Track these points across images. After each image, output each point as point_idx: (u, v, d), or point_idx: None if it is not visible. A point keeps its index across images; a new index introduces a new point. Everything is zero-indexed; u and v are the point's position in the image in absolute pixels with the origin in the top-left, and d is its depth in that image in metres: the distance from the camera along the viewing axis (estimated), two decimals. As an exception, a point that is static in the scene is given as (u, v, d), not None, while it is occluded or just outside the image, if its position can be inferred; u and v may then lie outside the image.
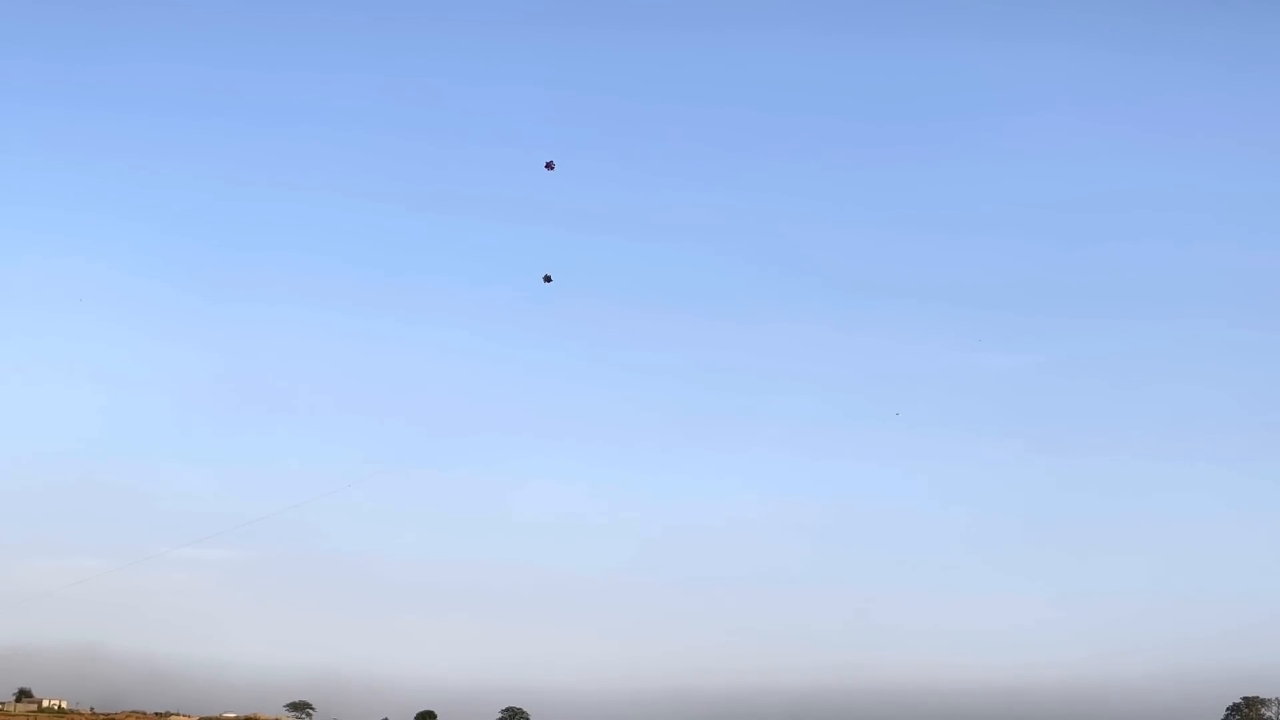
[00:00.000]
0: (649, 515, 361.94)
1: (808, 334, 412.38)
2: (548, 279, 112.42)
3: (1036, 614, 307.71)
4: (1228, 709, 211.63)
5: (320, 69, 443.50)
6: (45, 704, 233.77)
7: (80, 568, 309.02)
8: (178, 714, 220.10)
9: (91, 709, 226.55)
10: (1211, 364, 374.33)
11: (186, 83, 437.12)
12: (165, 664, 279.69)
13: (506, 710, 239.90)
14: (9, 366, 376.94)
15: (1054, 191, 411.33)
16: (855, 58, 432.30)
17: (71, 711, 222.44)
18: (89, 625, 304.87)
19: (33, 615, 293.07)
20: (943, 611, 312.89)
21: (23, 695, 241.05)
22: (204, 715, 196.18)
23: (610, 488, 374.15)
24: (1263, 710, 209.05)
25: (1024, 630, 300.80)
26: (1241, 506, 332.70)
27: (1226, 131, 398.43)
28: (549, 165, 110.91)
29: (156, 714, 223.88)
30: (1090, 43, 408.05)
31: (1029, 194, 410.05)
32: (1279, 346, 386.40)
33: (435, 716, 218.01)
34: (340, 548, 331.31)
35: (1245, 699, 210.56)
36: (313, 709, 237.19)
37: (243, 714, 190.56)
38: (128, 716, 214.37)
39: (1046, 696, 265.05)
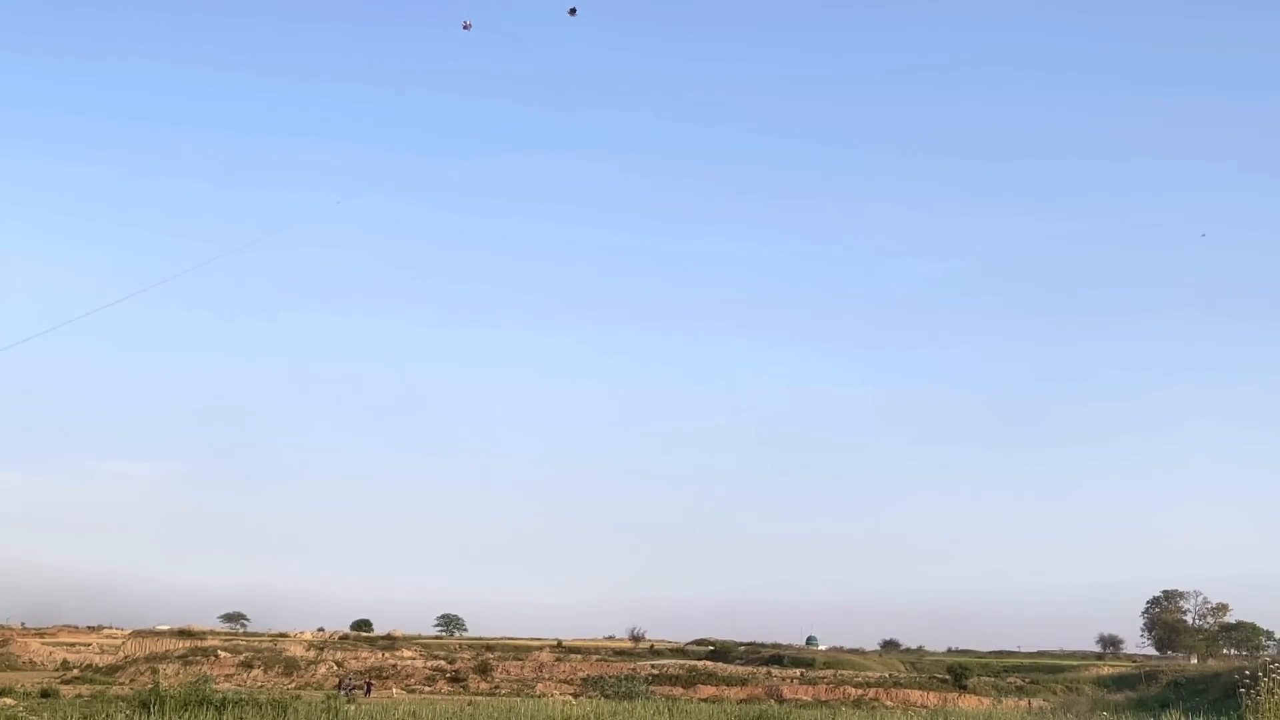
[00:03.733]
0: (592, 412, 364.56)
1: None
2: (573, 11, 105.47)
3: (955, 511, 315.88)
4: (1148, 602, 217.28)
5: None
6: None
7: (8, 481, 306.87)
8: (111, 627, 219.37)
9: (23, 624, 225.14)
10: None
11: None
12: (97, 578, 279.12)
13: (442, 617, 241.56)
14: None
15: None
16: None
17: (2, 626, 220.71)
18: (19, 539, 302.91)
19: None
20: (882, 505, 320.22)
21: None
22: (138, 628, 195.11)
23: (547, 385, 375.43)
24: (1180, 603, 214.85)
25: (941, 525, 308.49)
26: (1168, 413, 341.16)
27: None
28: (466, 25, 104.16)
29: (90, 627, 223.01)
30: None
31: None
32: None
33: (371, 625, 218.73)
34: (273, 459, 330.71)
35: (1165, 593, 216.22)
36: (247, 619, 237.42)
37: (176, 626, 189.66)
38: (60, 630, 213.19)
39: (969, 592, 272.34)
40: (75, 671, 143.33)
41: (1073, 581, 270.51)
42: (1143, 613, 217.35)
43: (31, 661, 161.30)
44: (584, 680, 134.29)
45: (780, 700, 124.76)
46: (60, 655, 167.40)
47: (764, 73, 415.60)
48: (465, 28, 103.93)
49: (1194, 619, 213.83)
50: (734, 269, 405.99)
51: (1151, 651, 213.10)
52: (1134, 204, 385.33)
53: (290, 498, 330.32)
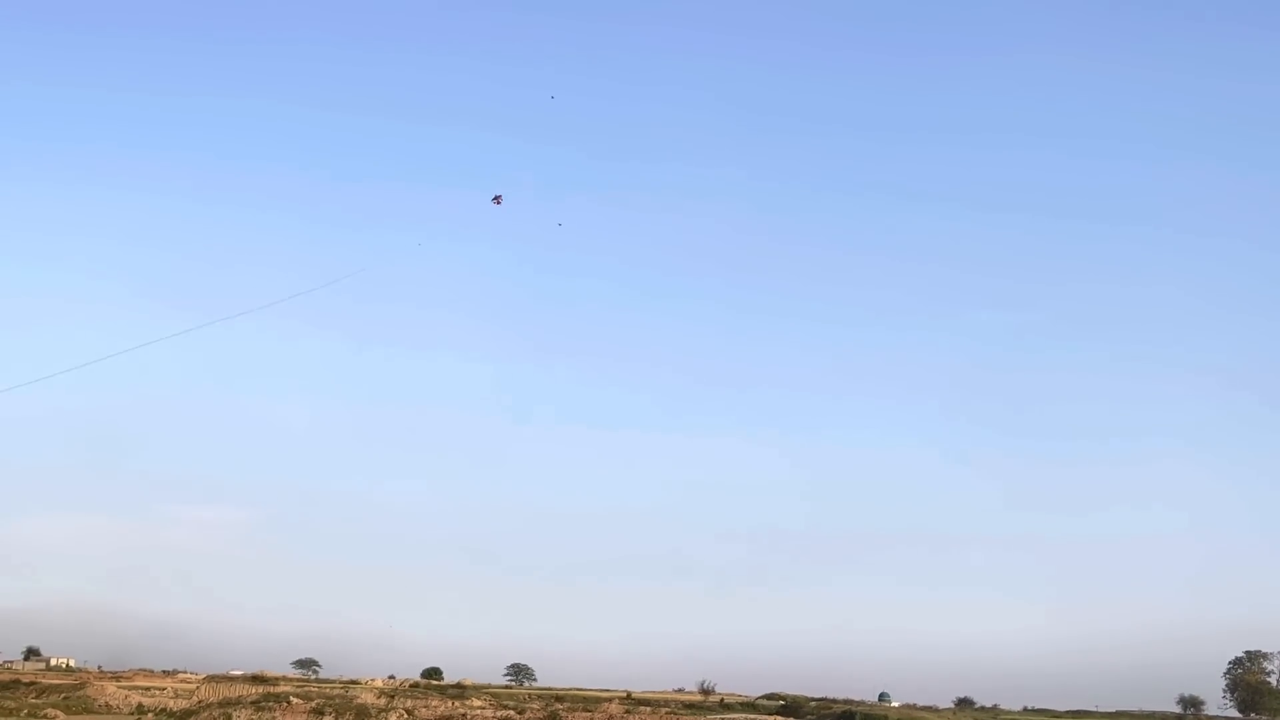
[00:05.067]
0: (661, 466, 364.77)
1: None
2: (497, 200, 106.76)
3: (1031, 565, 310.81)
4: (1230, 662, 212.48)
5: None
6: (53, 662, 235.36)
7: (87, 525, 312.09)
8: (185, 671, 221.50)
9: (99, 667, 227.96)
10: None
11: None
12: (172, 622, 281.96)
13: (512, 666, 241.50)
14: (14, 319, 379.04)
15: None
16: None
17: (80, 669, 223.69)
18: (96, 583, 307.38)
19: (40, 573, 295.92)
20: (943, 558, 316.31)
21: (31, 654, 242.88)
22: (211, 672, 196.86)
23: (618, 439, 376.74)
24: (1264, 664, 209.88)
25: (1016, 579, 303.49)
26: (1240, 460, 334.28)
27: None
28: (497, 200, 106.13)
29: (164, 671, 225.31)
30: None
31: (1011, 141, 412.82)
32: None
33: (441, 673, 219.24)
34: (346, 504, 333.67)
35: (1247, 653, 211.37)
36: (319, 666, 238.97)
37: (249, 671, 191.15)
38: (135, 674, 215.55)
39: (1044, 648, 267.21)
40: (150, 715, 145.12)
41: (1152, 639, 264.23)
42: (1225, 673, 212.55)
43: (108, 705, 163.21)
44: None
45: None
46: (135, 699, 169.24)
47: (841, 132, 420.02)
48: (496, 202, 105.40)
49: (1279, 680, 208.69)
50: (806, 327, 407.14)
51: (1234, 714, 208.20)
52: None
53: (363, 544, 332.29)
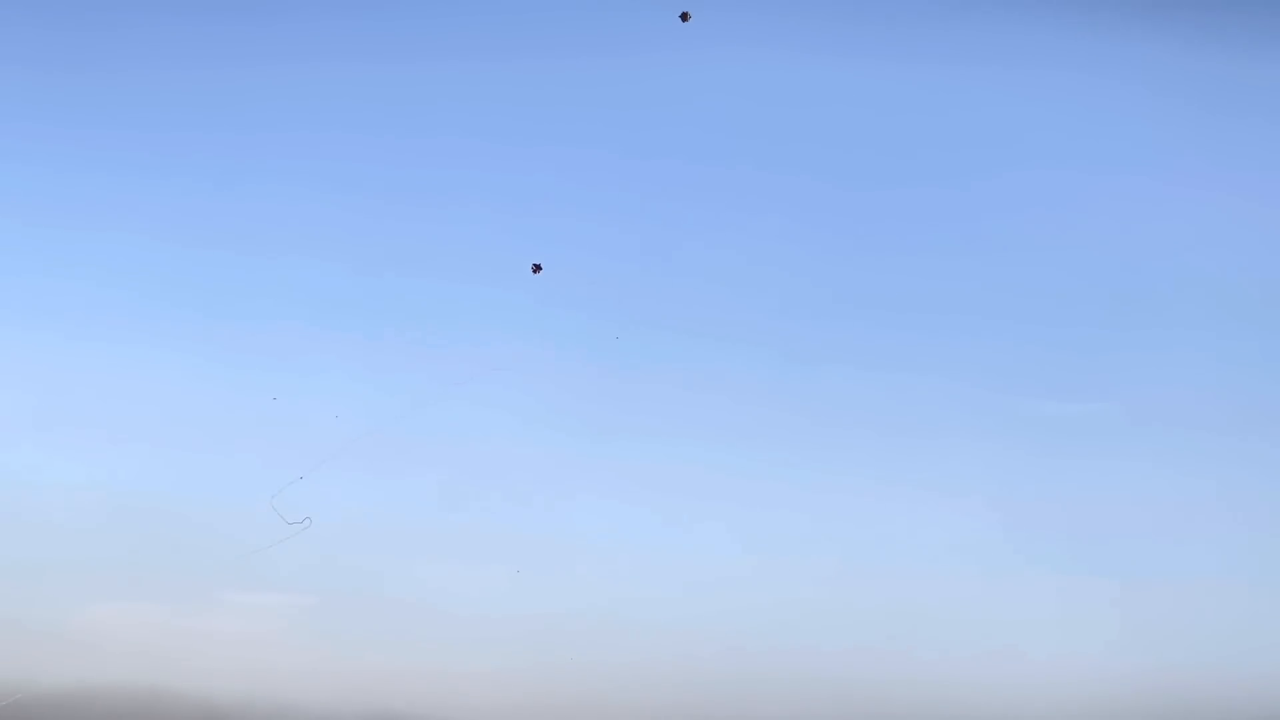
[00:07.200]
0: (722, 569, 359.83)
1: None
2: (537, 268, 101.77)
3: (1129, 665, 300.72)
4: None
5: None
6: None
7: (141, 611, 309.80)
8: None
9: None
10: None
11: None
12: (226, 708, 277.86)
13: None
14: (68, 402, 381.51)
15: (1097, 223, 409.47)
16: (856, 81, 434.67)
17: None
18: (149, 669, 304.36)
19: (93, 659, 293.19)
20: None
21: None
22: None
23: (677, 540, 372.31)
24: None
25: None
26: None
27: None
28: (536, 268, 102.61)
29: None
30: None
31: (1069, 216, 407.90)
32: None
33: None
34: (403, 593, 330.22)
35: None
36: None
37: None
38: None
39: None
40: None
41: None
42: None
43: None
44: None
45: None
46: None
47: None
48: (535, 270, 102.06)
49: None
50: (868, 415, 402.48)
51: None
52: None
53: (419, 633, 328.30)
